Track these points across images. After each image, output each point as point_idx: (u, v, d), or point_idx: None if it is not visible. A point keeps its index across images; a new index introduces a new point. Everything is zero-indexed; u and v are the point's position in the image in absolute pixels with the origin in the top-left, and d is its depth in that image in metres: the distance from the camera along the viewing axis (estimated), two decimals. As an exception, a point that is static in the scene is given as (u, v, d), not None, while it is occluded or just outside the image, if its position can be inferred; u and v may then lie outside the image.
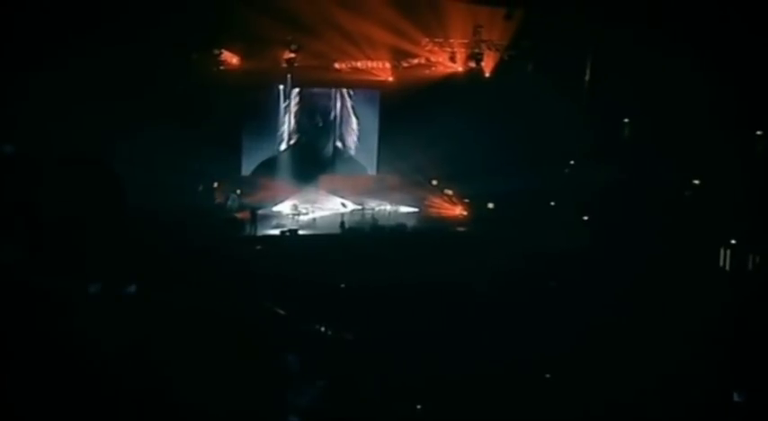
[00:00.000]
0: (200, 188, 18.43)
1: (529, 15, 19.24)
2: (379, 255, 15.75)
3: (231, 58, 18.96)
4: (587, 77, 19.15)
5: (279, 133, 20.16)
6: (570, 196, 18.50)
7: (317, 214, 19.68)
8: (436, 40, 20.05)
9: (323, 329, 11.52)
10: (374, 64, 19.99)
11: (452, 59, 20.40)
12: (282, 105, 20.06)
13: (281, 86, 19.83)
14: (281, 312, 11.57)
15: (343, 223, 18.72)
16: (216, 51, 18.66)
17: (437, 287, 13.17)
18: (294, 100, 20.15)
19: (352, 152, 21.06)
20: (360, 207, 20.13)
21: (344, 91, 20.68)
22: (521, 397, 9.30)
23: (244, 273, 13.06)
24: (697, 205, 16.92)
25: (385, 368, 9.83)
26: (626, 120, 18.92)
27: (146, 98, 15.82)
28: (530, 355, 10.30)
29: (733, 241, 15.61)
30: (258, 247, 16.95)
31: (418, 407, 9.28)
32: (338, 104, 20.73)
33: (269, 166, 19.92)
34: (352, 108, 20.79)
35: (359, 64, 19.90)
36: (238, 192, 19.03)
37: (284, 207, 19.50)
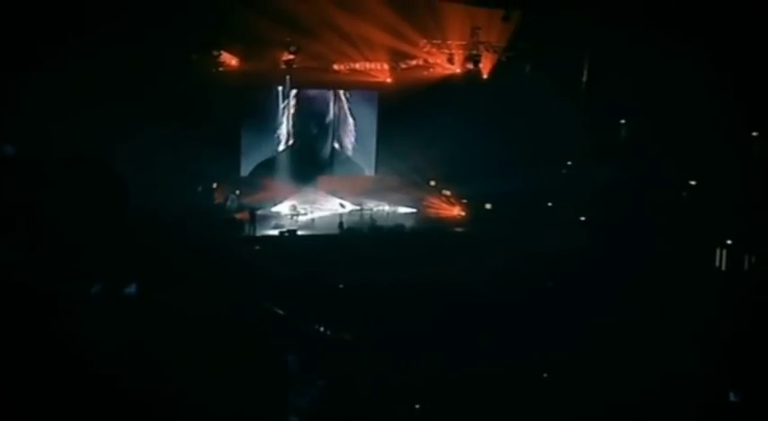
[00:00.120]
0: (200, 188, 18.48)
1: (526, 17, 19.31)
2: (377, 255, 15.77)
3: (230, 60, 19.00)
4: (585, 78, 19.22)
5: (277, 134, 20.21)
6: (568, 196, 18.55)
7: (316, 215, 19.73)
8: (434, 41, 20.11)
9: (322, 329, 11.54)
10: (372, 65, 20.06)
11: (450, 61, 20.47)
12: (281, 106, 20.11)
13: (280, 87, 19.89)
14: (280, 312, 11.59)
15: (341, 223, 18.77)
16: (215, 52, 18.70)
17: (435, 287, 13.20)
18: (292, 101, 20.20)
19: (351, 153, 21.11)
20: (358, 207, 20.18)
21: (342, 92, 20.74)
22: (519, 397, 9.32)
23: (243, 273, 13.09)
24: (693, 206, 16.99)
25: (384, 368, 9.85)
26: (622, 121, 19.01)
27: (145, 99, 15.83)
28: (528, 355, 10.32)
29: (729, 241, 15.69)
30: (257, 248, 17.00)
31: (416, 406, 9.31)
32: (336, 106, 20.78)
33: (267, 167, 19.97)
34: (350, 109, 20.84)
35: (357, 65, 19.97)
36: (237, 192, 19.08)
37: (283, 207, 19.55)
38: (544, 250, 14.95)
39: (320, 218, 19.62)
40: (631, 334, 10.93)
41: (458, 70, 20.55)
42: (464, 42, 20.26)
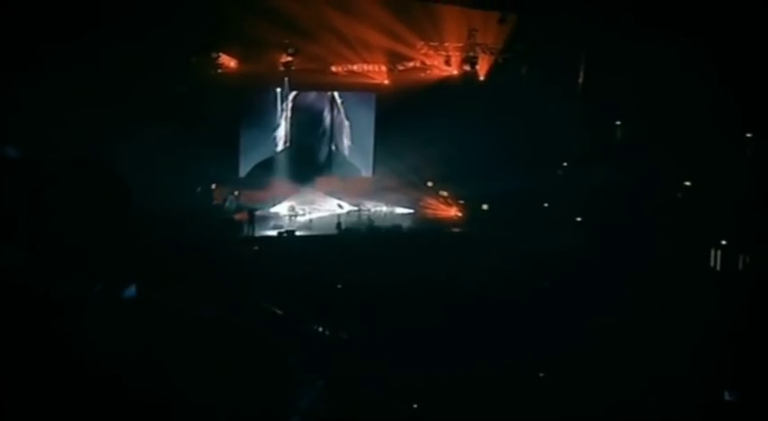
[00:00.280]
0: (199, 189, 18.55)
1: (522, 19, 19.41)
2: (375, 255, 15.83)
3: (229, 61, 19.08)
4: (581, 80, 19.31)
5: (276, 135, 20.27)
6: (564, 197, 18.64)
7: (314, 215, 19.78)
8: (431, 43, 20.21)
9: (320, 329, 11.60)
10: (370, 67, 20.16)
11: (447, 63, 20.57)
12: (279, 108, 20.17)
13: (279, 89, 19.96)
14: (279, 312, 11.64)
15: (339, 224, 18.84)
16: (214, 54, 18.78)
17: (433, 287, 13.28)
18: (290, 103, 20.28)
19: (348, 154, 21.17)
20: (356, 208, 20.23)
21: (340, 93, 20.81)
22: (516, 396, 9.39)
23: (241, 273, 13.16)
24: (688, 206, 17.08)
25: (382, 368, 9.90)
26: (618, 122, 19.10)
27: (145, 100, 15.93)
28: (524, 355, 10.39)
29: (723, 242, 15.79)
30: (256, 248, 17.07)
31: (414, 406, 9.37)
32: (334, 107, 20.85)
33: (266, 168, 20.02)
34: (348, 111, 20.91)
35: (355, 67, 20.06)
36: (236, 193, 19.15)
37: (281, 208, 19.60)
38: (540, 250, 15.02)
39: (318, 218, 19.67)
40: (627, 333, 11.01)
41: (455, 72, 20.64)
42: (461, 44, 20.37)
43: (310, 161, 20.67)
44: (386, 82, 20.40)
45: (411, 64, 20.44)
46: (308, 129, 20.68)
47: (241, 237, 17.85)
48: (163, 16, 15.98)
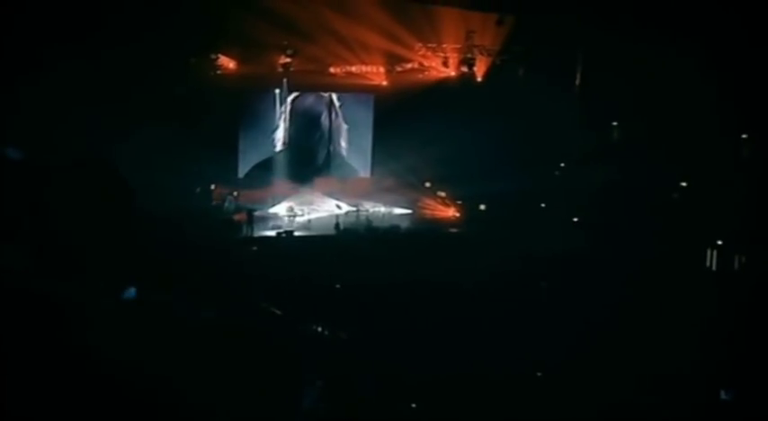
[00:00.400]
0: (198, 190, 18.61)
1: (520, 21, 19.48)
2: (373, 255, 15.87)
3: (228, 63, 19.15)
4: (578, 81, 19.39)
5: (275, 136, 20.31)
6: (561, 198, 18.71)
7: (313, 216, 19.83)
8: (429, 45, 20.30)
9: (319, 329, 11.62)
10: (368, 68, 20.23)
11: (445, 64, 20.64)
12: (278, 109, 20.22)
13: (277, 90, 20.01)
14: (278, 312, 11.67)
15: (338, 225, 18.89)
16: (213, 56, 18.86)
17: (430, 287, 13.32)
18: (289, 104, 20.32)
19: (346, 155, 21.23)
20: (354, 209, 20.28)
21: (339, 95, 20.87)
22: (514, 395, 9.43)
23: (240, 273, 13.20)
24: (684, 207, 17.15)
25: (381, 368, 9.93)
26: (615, 123, 19.18)
27: (144, 101, 15.97)
28: (522, 354, 10.43)
29: (719, 242, 15.86)
30: (254, 248, 17.11)
31: (413, 406, 9.40)
32: (332, 108, 20.90)
33: (265, 169, 20.08)
34: (346, 112, 20.96)
35: (353, 68, 20.14)
36: (235, 193, 19.20)
37: (280, 209, 19.66)
38: (537, 251, 15.08)
39: (317, 219, 19.72)
40: (624, 333, 11.06)
41: (452, 73, 20.72)
42: (459, 46, 20.45)
43: (309, 162, 20.72)
44: (384, 83, 20.47)
45: (409, 65, 20.52)
46: (307, 130, 20.73)
47: (240, 238, 17.89)
48: (162, 18, 16.03)
